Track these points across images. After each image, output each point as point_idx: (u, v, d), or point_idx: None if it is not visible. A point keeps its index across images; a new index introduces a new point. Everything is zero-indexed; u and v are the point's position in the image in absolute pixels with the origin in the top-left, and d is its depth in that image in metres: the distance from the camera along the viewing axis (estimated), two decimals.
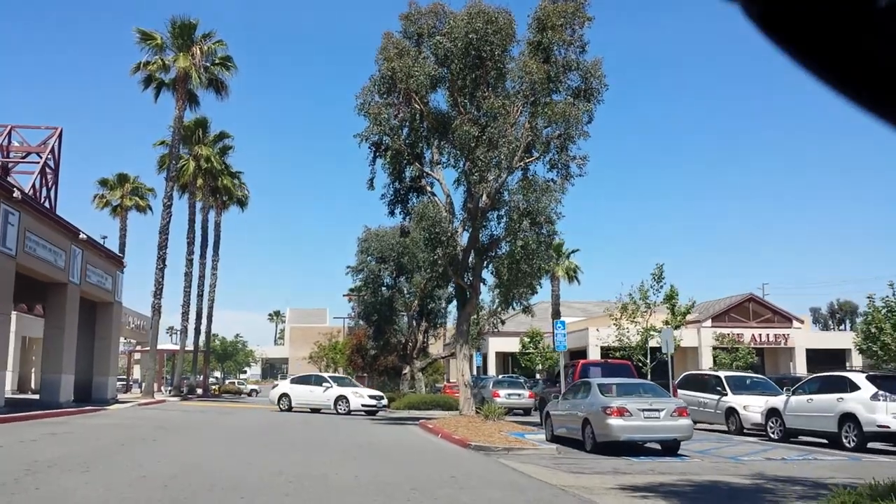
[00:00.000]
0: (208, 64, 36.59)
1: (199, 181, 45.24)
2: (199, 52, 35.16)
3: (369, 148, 23.06)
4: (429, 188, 23.26)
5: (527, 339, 51.07)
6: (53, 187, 36.97)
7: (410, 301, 34.21)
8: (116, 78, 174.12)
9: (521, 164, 21.60)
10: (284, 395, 28.84)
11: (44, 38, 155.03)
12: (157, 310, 34.57)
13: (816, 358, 57.36)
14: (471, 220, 21.85)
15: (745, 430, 20.52)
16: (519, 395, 31.70)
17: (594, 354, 51.28)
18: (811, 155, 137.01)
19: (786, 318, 64.87)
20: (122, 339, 52.88)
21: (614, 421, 14.41)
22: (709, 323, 58.85)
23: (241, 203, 51.14)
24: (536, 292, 21.54)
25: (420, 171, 23.35)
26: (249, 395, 68.35)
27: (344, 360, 70.48)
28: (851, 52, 1.08)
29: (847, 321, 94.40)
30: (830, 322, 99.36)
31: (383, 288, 33.32)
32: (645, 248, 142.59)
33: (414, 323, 34.53)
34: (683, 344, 40.17)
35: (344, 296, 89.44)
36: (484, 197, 21.63)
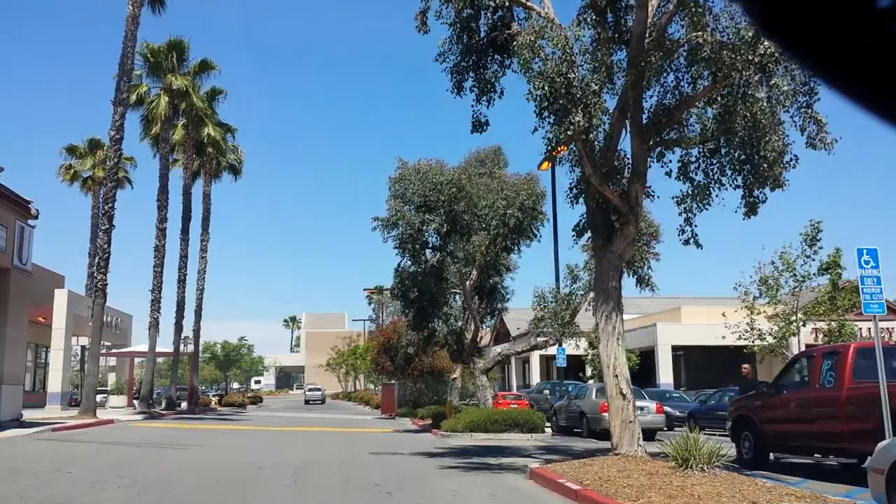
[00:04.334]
0: None
1: (178, 133, 34.65)
2: None
3: None
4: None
5: (594, 337, 40.34)
6: None
7: (467, 272, 23.26)
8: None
9: None
10: None
11: None
12: (100, 289, 23.84)
13: None
14: (630, 69, 10.85)
15: None
16: (642, 409, 20.60)
17: (664, 355, 42.49)
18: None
19: (893, 311, 53.83)
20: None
21: None
22: (799, 316, 48.27)
23: (235, 170, 40.53)
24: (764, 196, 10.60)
25: (506, 3, 12.35)
26: (254, 401, 56.59)
27: (367, 365, 59.63)
28: (852, 51, 1.06)
29: None
30: None
31: (427, 250, 22.34)
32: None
33: (474, 303, 23.52)
34: (769, 341, 29.67)
35: (365, 291, 78.71)
36: (649, 17, 10.69)
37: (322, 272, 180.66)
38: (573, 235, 12.13)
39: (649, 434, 21.06)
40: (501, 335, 53.38)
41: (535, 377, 52.95)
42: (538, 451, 16.53)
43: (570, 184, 11.69)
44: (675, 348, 43.22)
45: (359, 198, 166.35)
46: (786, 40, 1.11)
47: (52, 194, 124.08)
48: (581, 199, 11.72)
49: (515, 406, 29.43)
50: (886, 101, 1.10)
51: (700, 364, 43.33)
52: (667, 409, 22.03)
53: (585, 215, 11.88)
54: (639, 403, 21.15)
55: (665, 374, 42.01)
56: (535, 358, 50.25)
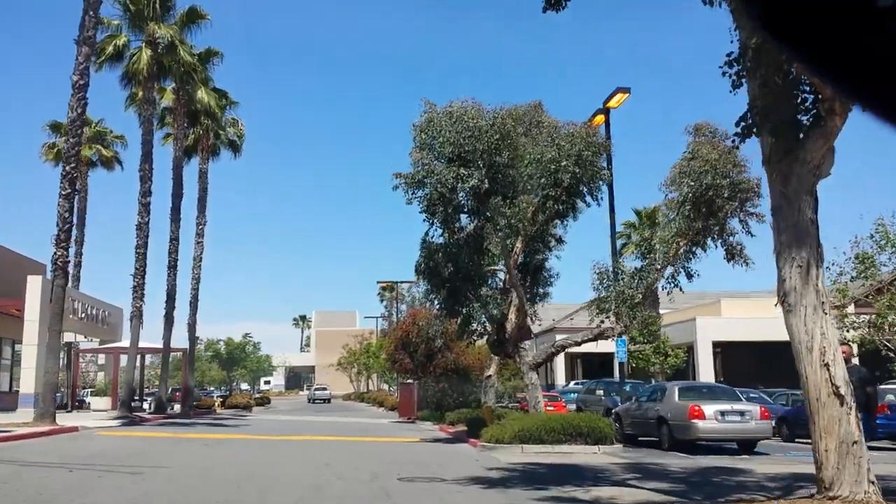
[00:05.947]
0: None
1: (168, 97, 30.40)
2: None
3: None
4: None
5: (635, 332, 35.72)
6: None
7: (510, 244, 18.72)
8: None
9: None
10: None
11: None
12: (60, 267, 19.49)
13: None
14: None
15: None
16: (742, 414, 16.01)
17: (705, 350, 38.97)
18: None
19: None
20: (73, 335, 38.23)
21: None
22: (851, 309, 43.71)
23: (234, 147, 36.21)
24: None
25: None
26: (261, 402, 51.33)
27: (380, 363, 55.07)
28: (852, 51, 1.04)
29: None
30: None
31: (462, 215, 17.85)
32: None
33: (518, 281, 18.93)
34: (864, 332, 25.65)
35: (378, 283, 74.28)
36: None
37: (327, 272, 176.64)
38: (735, 135, 7.54)
39: (746, 445, 16.57)
40: (523, 331, 48.86)
41: (560, 377, 48.65)
42: (626, 472, 12.02)
43: (730, 55, 7.15)
44: (715, 344, 39.55)
45: (359, 197, 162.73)
46: (786, 41, 1.09)
47: (51, 192, 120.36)
48: (746, 81, 7.17)
49: (552, 408, 24.92)
50: (887, 100, 1.08)
51: (739, 360, 39.24)
52: None
53: (751, 105, 7.34)
54: (738, 407, 16.62)
55: (706, 372, 38.19)
56: (559, 356, 46.01)
